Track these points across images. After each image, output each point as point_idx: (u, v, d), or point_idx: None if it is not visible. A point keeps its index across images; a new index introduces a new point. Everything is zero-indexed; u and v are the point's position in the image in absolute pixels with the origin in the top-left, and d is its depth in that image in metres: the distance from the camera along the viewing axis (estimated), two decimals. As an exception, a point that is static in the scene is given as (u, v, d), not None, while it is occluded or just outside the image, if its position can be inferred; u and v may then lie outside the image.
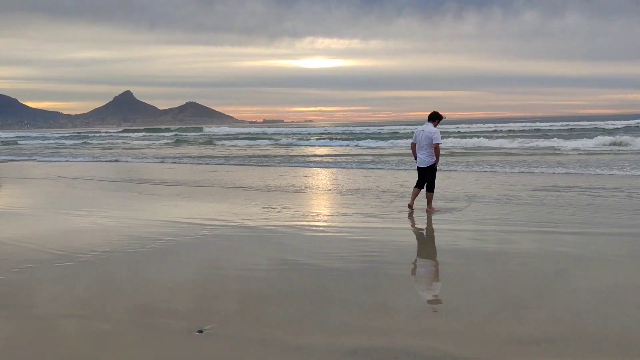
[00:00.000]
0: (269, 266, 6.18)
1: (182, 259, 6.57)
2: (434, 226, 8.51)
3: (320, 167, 20.38)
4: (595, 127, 44.18)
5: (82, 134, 75.87)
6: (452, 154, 23.92)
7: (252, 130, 63.64)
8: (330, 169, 19.51)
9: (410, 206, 9.64)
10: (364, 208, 10.09)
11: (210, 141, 46.19)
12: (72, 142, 55.38)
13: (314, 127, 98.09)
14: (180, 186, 14.93)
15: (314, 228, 8.41)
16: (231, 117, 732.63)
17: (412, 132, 10.21)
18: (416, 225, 8.60)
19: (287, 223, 8.75)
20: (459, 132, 44.48)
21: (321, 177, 16.48)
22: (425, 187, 9.67)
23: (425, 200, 9.69)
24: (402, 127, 58.07)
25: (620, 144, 25.18)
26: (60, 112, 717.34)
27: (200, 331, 4.12)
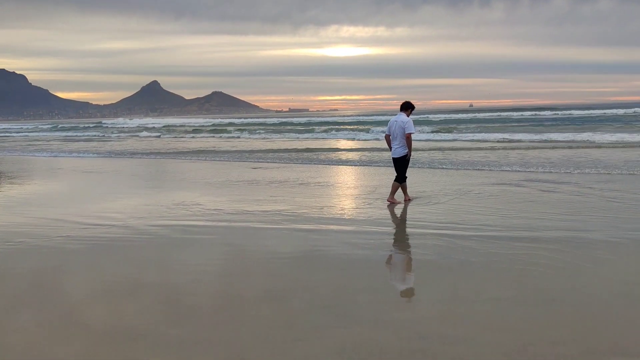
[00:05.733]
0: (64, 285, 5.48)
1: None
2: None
3: (291, 163, 19.59)
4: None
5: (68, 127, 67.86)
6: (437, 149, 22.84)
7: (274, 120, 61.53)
8: (301, 165, 18.71)
9: (390, 200, 9.30)
10: (282, 205, 9.31)
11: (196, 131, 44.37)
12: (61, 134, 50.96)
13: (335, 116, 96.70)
14: (126, 178, 14.38)
15: (195, 229, 7.61)
16: (257, 107, 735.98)
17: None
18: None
19: (174, 223, 8.02)
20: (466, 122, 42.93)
21: (281, 170, 15.69)
22: (396, 178, 9.39)
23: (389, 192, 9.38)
24: (428, 115, 53.13)
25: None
26: (90, 102, 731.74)
27: None
